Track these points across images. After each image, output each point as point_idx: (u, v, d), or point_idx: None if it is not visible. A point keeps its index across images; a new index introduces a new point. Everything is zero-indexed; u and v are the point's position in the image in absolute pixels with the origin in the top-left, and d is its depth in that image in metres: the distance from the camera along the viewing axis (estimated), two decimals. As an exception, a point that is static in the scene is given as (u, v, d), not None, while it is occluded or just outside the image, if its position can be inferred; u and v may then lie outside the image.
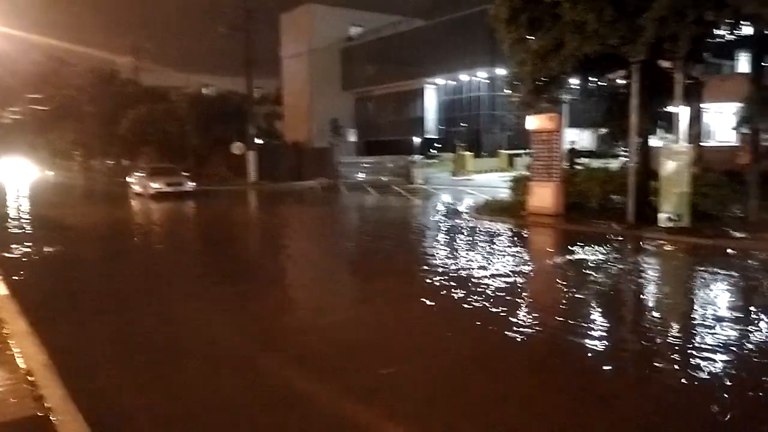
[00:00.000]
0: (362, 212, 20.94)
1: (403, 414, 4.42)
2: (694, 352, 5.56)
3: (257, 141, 35.26)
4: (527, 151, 21.10)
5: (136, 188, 27.76)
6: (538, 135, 15.43)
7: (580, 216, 14.41)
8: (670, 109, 13.70)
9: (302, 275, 10.47)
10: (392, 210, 20.40)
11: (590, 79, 15.89)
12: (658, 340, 6.04)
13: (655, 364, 5.39)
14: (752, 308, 7.37)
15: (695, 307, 7.51)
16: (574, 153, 22.35)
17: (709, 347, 5.65)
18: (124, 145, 43.52)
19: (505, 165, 35.93)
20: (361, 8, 52.80)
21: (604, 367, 5.41)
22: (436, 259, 10.41)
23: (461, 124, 44.47)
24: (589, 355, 5.64)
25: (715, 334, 6.05)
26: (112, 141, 44.72)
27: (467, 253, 10.95)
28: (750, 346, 5.78)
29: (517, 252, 11.32)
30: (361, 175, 33.55)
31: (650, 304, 7.89)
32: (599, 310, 7.45)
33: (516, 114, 18.66)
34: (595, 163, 19.19)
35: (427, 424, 4.28)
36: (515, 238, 13.08)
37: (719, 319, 6.63)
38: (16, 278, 9.20)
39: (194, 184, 26.84)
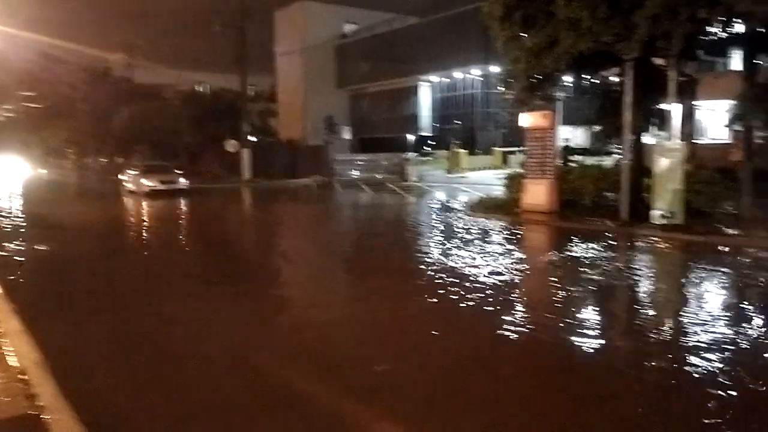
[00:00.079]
0: (357, 210, 20.93)
1: (402, 413, 4.42)
2: (690, 350, 5.59)
3: (251, 138, 35.17)
4: (521, 148, 21.14)
5: (130, 186, 27.63)
6: (532, 132, 15.46)
7: (574, 213, 14.45)
8: (663, 106, 13.76)
9: (298, 273, 10.46)
10: (387, 207, 20.41)
11: (584, 76, 15.92)
12: (655, 338, 6.07)
13: (653, 362, 5.41)
14: (745, 305, 7.42)
15: (690, 304, 7.54)
16: (567, 150, 22.36)
17: (705, 344, 5.68)
18: (117, 143, 43.38)
19: (499, 162, 35.97)
20: (356, 5, 52.72)
21: (601, 366, 5.43)
22: (430, 257, 10.42)
23: (455, 121, 44.51)
24: (585, 352, 5.65)
25: (711, 331, 6.08)
26: (105, 139, 44.59)
27: (462, 251, 10.97)
28: (745, 343, 5.81)
29: (512, 249, 11.34)
30: (355, 173, 33.52)
31: (646, 302, 7.93)
32: (595, 307, 7.48)
33: (510, 111, 18.72)
34: (589, 160, 19.21)
35: (424, 422, 4.29)
36: (510, 236, 13.11)
37: (713, 316, 6.67)
38: (9, 277, 9.14)
39: (188, 181, 26.72)
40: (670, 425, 4.24)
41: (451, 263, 9.70)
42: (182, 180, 26.49)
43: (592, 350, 5.69)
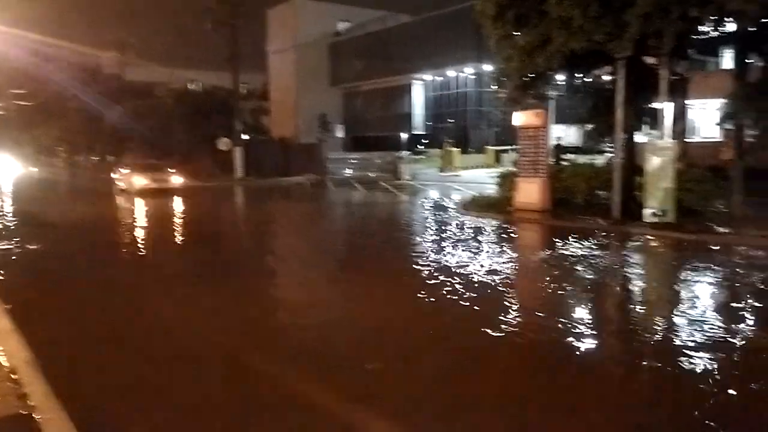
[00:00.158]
0: (350, 208, 20.92)
1: (394, 412, 4.42)
2: (681, 347, 5.62)
3: (244, 137, 35.04)
4: (514, 147, 21.18)
5: (121, 184, 27.45)
6: (524, 131, 15.49)
7: (566, 212, 14.50)
8: (655, 105, 13.82)
9: (290, 272, 10.44)
10: (380, 206, 20.41)
11: (576, 75, 15.97)
12: (648, 336, 6.10)
13: (648, 360, 5.45)
14: (735, 303, 7.46)
15: (681, 301, 7.58)
16: (560, 149, 22.41)
17: (696, 342, 5.72)
18: (108, 141, 43.12)
19: (491, 161, 36.05)
20: (348, 3, 52.70)
21: (594, 364, 5.45)
22: (423, 255, 10.42)
23: (448, 120, 44.59)
24: (577, 351, 5.66)
25: (701, 329, 6.12)
26: (96, 137, 44.29)
27: (454, 249, 10.98)
28: (736, 340, 5.85)
29: (505, 248, 11.37)
30: (348, 171, 33.51)
31: (639, 299, 7.97)
32: (588, 305, 7.51)
33: (503, 110, 18.77)
34: (581, 159, 19.27)
35: (419, 420, 4.29)
36: (502, 234, 13.14)
37: (704, 314, 6.73)
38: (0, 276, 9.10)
39: (180, 179, 26.61)
40: (669, 424, 4.27)
41: (443, 261, 9.71)
42: (174, 178, 26.36)
43: (584, 349, 5.70)
